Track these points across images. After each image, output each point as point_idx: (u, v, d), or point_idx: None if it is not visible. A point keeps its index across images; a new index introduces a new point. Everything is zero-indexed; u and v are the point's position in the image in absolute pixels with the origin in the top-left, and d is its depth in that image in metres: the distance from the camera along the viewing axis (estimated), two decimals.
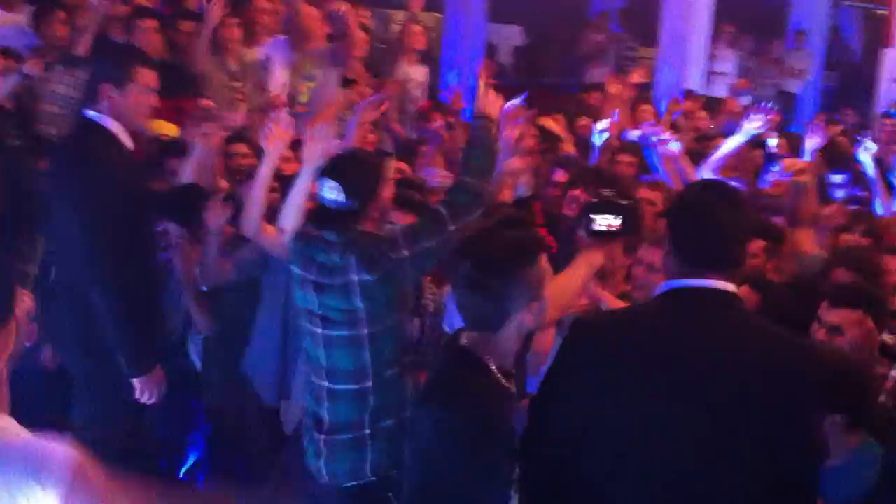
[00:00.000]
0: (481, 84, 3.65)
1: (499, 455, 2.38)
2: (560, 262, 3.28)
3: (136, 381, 3.79)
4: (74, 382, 3.97)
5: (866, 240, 4.84)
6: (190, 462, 4.43)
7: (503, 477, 2.40)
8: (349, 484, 3.33)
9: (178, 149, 4.99)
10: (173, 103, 6.02)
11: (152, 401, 3.83)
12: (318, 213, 3.36)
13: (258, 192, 3.88)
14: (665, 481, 2.33)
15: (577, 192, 4.75)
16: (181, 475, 4.44)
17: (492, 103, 3.52)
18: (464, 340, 2.49)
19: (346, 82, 6.98)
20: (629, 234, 3.08)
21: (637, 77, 7.38)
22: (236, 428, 4.44)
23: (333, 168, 3.35)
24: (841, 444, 2.98)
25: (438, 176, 5.18)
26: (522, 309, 2.43)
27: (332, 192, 3.26)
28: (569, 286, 3.00)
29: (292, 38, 6.74)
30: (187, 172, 4.51)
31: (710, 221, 2.43)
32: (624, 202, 2.99)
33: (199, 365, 4.44)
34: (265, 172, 3.90)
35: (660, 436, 2.34)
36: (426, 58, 8.91)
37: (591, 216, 3.00)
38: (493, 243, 2.42)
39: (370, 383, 3.30)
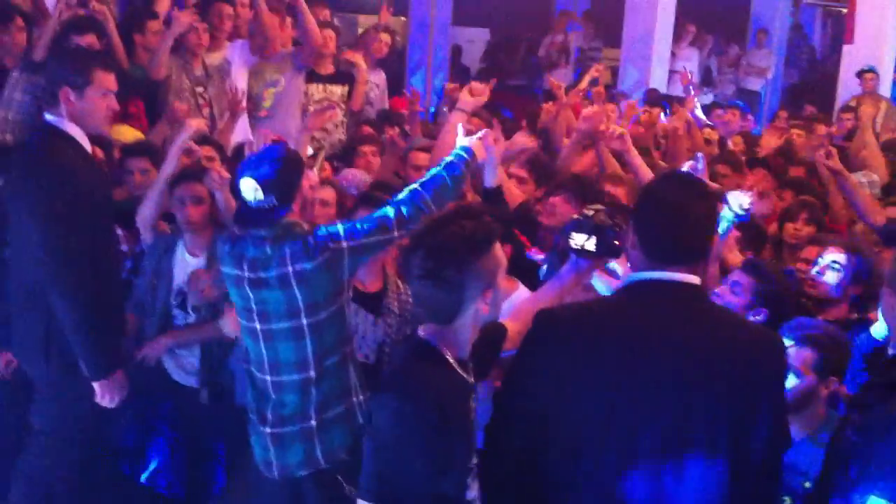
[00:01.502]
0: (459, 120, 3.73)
1: (455, 444, 2.39)
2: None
3: (96, 385, 3.76)
4: (35, 387, 3.93)
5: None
6: (152, 467, 4.39)
7: (459, 466, 2.42)
8: (302, 473, 3.34)
9: (140, 149, 4.98)
10: (135, 107, 6.02)
11: (113, 405, 3.80)
12: (242, 213, 3.34)
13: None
14: (629, 471, 2.35)
15: (556, 200, 4.58)
16: (143, 480, 4.40)
17: (478, 146, 3.51)
18: (421, 332, 2.49)
19: (315, 76, 6.99)
20: (605, 256, 2.97)
21: (593, 73, 7.37)
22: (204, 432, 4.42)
23: (249, 167, 3.33)
24: (816, 414, 3.07)
25: (357, 181, 5.18)
26: (478, 298, 2.43)
27: (250, 191, 3.25)
28: (544, 303, 3.00)
29: (253, 43, 6.73)
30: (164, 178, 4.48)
31: (673, 214, 2.45)
32: (603, 222, 2.91)
33: (169, 370, 4.41)
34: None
35: (624, 426, 2.36)
36: (391, 61, 8.91)
37: (569, 233, 2.96)
38: (446, 233, 2.40)
39: (313, 373, 3.29)
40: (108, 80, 3.85)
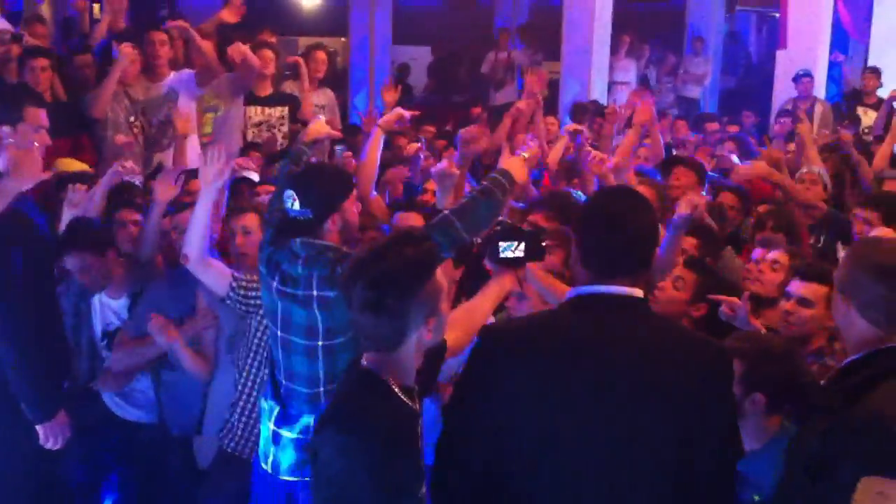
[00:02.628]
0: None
1: (404, 474, 2.37)
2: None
3: (40, 429, 3.71)
4: None
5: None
6: None
7: (412, 495, 2.39)
8: (288, 478, 3.34)
9: (77, 178, 4.91)
10: (73, 141, 5.96)
11: (58, 446, 3.75)
12: (282, 221, 3.38)
13: (198, 224, 3.80)
14: (581, 485, 2.36)
15: (536, 217, 4.48)
16: None
17: (518, 167, 3.35)
18: (364, 361, 2.46)
19: (253, 98, 6.97)
20: (533, 260, 3.10)
21: (534, 85, 7.41)
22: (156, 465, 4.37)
23: (295, 178, 3.38)
24: (761, 427, 3.06)
25: None
26: (421, 325, 2.41)
27: (289, 200, 3.27)
28: (479, 313, 3.06)
29: (198, 75, 6.70)
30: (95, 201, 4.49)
31: (615, 227, 2.46)
32: (526, 230, 3.02)
33: (111, 407, 4.35)
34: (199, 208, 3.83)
35: (574, 440, 2.36)
36: (333, 82, 8.91)
37: (497, 244, 3.02)
38: (387, 261, 2.38)
39: (322, 390, 3.31)
40: (40, 116, 3.83)
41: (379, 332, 2.40)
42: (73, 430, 3.80)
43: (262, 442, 3.44)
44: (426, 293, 2.40)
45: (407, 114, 4.74)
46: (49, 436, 3.73)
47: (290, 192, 3.28)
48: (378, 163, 4.85)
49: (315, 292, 3.23)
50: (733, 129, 9.09)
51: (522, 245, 3.01)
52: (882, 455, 2.34)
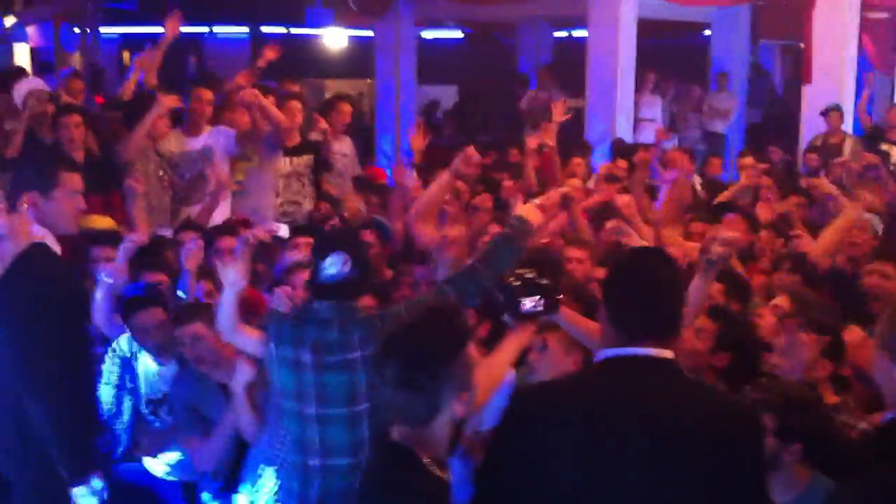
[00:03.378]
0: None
1: None
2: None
3: (75, 490, 3.69)
4: (14, 491, 3.88)
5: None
6: None
7: None
8: None
9: (107, 237, 4.97)
10: (104, 198, 6.05)
11: None
12: (322, 288, 3.34)
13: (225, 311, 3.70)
14: None
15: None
16: None
17: (532, 211, 3.55)
18: (395, 435, 2.45)
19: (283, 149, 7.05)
20: (549, 313, 3.15)
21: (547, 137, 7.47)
22: None
23: (338, 242, 3.41)
24: (793, 479, 3.05)
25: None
26: (453, 400, 2.41)
27: (336, 265, 3.28)
28: (499, 368, 3.09)
29: (239, 133, 6.77)
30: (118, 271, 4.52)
31: (647, 290, 2.48)
32: (545, 282, 3.07)
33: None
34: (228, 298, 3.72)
35: (607, 502, 2.36)
36: (360, 124, 8.99)
37: (519, 299, 3.07)
38: (420, 339, 2.39)
39: (363, 458, 3.25)
40: (75, 181, 3.89)
41: (412, 409, 2.40)
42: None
43: None
44: (459, 368, 2.41)
45: (476, 156, 4.74)
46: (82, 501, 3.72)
47: (336, 256, 3.29)
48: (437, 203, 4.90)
49: (359, 353, 3.23)
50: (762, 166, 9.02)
51: (542, 299, 3.07)
52: None
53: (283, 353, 3.36)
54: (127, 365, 4.40)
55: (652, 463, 2.35)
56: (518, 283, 3.08)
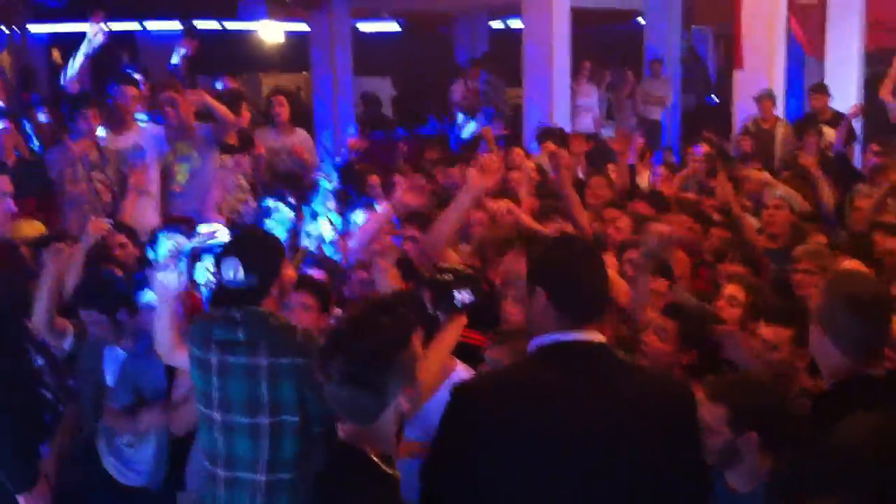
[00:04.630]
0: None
1: None
2: None
3: (21, 499, 3.67)
4: None
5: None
6: None
7: None
8: None
9: (48, 240, 4.87)
10: (36, 201, 5.92)
11: None
12: (219, 294, 3.30)
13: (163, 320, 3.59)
14: None
15: (508, 258, 4.21)
16: None
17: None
18: (341, 434, 2.45)
19: (227, 148, 6.96)
20: (479, 301, 3.23)
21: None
22: None
23: (233, 246, 3.31)
24: (754, 468, 3.04)
25: None
26: (399, 395, 2.41)
27: (231, 270, 3.20)
28: (436, 365, 3.12)
29: (168, 130, 6.66)
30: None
31: (583, 278, 2.53)
32: (473, 274, 3.18)
33: (110, 470, 4.29)
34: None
35: (552, 490, 2.38)
36: (300, 119, 8.91)
37: (453, 293, 3.15)
38: (365, 334, 2.38)
39: (263, 478, 3.17)
40: (3, 183, 3.82)
41: (359, 406, 2.39)
42: (64, 496, 3.74)
43: None
44: (404, 363, 2.41)
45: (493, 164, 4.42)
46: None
47: (230, 262, 3.21)
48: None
49: (265, 360, 3.14)
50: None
51: (472, 290, 3.17)
52: (846, 484, 2.37)
53: (195, 354, 3.29)
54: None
55: (597, 445, 2.39)
56: (449, 276, 3.13)
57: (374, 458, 2.41)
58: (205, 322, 3.31)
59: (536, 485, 2.39)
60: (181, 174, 6.77)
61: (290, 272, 3.44)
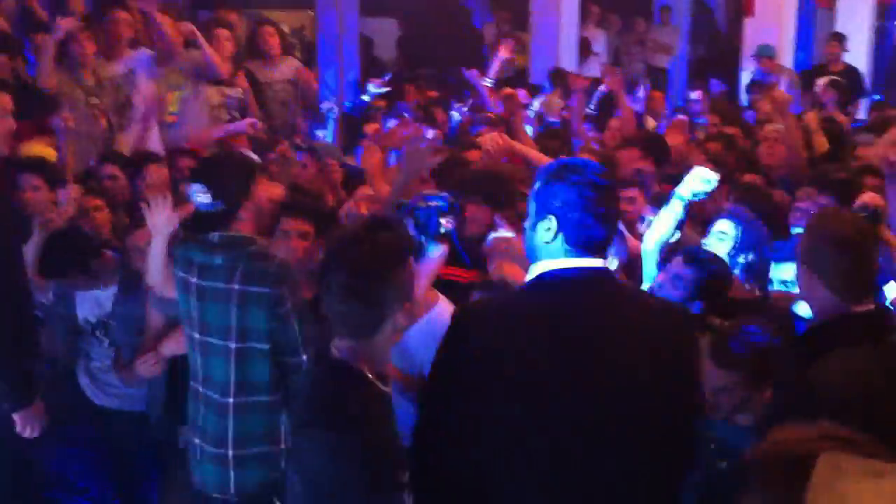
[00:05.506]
0: None
1: (391, 466, 2.37)
2: None
3: (18, 416, 3.69)
4: None
5: None
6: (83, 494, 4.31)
7: (397, 485, 2.39)
8: (215, 495, 3.31)
9: (33, 165, 4.79)
10: (35, 123, 5.88)
11: (35, 434, 3.73)
12: (192, 218, 3.31)
13: (156, 261, 3.65)
14: (563, 457, 2.38)
15: (471, 209, 4.31)
16: None
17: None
18: (335, 351, 2.44)
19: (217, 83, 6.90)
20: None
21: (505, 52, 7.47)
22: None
23: (200, 171, 3.31)
24: (755, 400, 3.07)
25: None
26: (397, 310, 2.41)
27: (199, 195, 3.21)
28: (422, 283, 3.15)
29: (158, 55, 6.56)
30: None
31: (590, 206, 2.46)
32: (454, 201, 3.20)
33: (87, 393, 4.33)
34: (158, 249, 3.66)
35: (554, 413, 2.38)
36: (303, 57, 8.76)
37: (438, 220, 3.16)
38: (365, 248, 2.37)
39: (231, 400, 3.24)
40: (4, 101, 3.79)
41: (358, 319, 2.40)
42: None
43: (191, 458, 3.39)
44: (403, 277, 2.41)
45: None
46: (26, 423, 3.71)
47: (197, 186, 3.21)
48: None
49: (236, 286, 3.17)
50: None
51: (452, 219, 3.20)
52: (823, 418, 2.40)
53: (178, 275, 3.34)
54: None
55: (599, 368, 2.39)
56: (433, 203, 3.15)
57: (369, 375, 2.42)
58: (187, 244, 3.33)
59: (536, 406, 2.39)
60: (173, 104, 6.69)
61: (271, 194, 3.44)
